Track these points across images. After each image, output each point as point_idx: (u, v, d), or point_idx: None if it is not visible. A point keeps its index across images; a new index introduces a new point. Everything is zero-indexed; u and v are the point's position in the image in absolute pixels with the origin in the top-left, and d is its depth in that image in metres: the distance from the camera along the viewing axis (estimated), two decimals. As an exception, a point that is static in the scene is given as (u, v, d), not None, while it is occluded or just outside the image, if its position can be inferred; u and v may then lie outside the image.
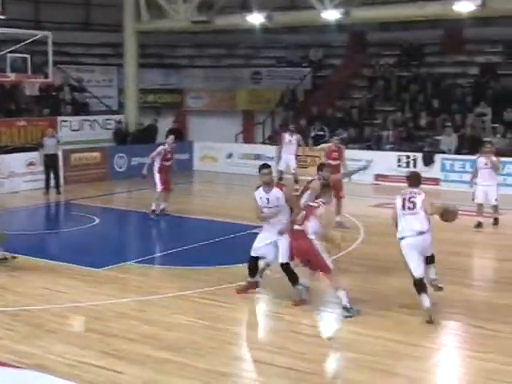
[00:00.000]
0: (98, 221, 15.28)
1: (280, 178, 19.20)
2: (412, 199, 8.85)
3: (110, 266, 11.28)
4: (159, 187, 15.39)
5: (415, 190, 8.99)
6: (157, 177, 15.39)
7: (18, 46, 17.45)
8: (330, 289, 9.15)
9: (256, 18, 20.70)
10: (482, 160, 14.62)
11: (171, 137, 16.06)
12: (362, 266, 11.47)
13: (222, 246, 12.96)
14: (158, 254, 12.81)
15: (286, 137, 19.57)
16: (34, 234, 14.16)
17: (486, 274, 11.81)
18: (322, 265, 8.98)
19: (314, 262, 9.09)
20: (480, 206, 14.48)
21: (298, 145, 19.41)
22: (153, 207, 15.38)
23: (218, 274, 10.94)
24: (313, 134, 22.66)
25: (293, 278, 9.42)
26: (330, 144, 15.80)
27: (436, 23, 24.20)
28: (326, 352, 8.10)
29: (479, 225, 14.47)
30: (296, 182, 19.02)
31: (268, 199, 9.45)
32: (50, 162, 18.68)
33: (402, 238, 8.84)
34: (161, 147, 15.67)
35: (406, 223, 8.81)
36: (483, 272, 11.98)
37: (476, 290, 10.41)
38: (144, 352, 7.79)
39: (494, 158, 14.63)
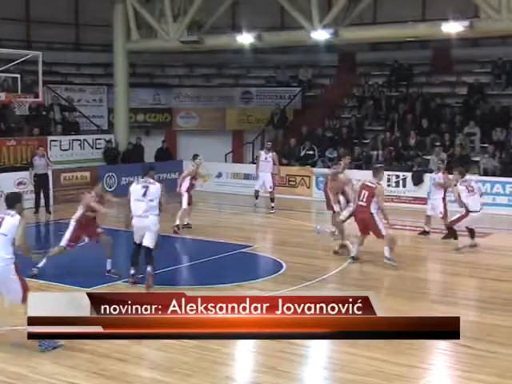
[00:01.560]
0: (87, 240, 15.20)
1: (256, 197, 19.16)
2: (472, 184, 13.95)
3: (100, 286, 11.23)
4: (185, 205, 16.04)
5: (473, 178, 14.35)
6: (185, 195, 16.12)
7: (8, 65, 17.46)
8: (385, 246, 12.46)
9: (246, 38, 20.80)
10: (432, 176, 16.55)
11: (200, 157, 16.65)
12: (352, 285, 11.50)
13: (212, 266, 12.94)
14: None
15: (262, 154, 19.31)
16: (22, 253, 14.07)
17: (470, 293, 11.79)
18: (378, 233, 12.45)
19: (373, 231, 12.54)
20: (428, 217, 15.70)
21: (274, 163, 19.11)
22: (177, 222, 15.84)
23: (207, 293, 10.90)
24: (303, 153, 22.75)
25: (151, 261, 10.96)
26: (341, 162, 15.50)
27: (425, 44, 24.42)
28: (317, 372, 8.09)
29: (424, 233, 15.75)
30: (272, 200, 18.94)
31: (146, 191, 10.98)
32: (40, 182, 18.64)
33: (471, 211, 13.76)
34: (192, 167, 16.48)
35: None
36: (467, 291, 11.94)
37: (462, 310, 10.35)
38: (133, 372, 7.76)
39: (439, 175, 15.78)
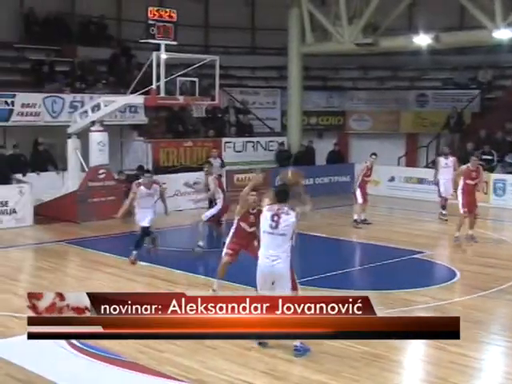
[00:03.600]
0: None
1: (443, 207, 18.37)
2: None
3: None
4: (360, 200, 17.06)
5: None
6: (358, 191, 17.07)
7: (187, 69, 18.04)
8: None
9: (423, 40, 20.29)
10: None
11: (374, 156, 17.55)
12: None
13: (382, 271, 12.69)
14: (315, 277, 12.69)
15: (441, 160, 18.46)
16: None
17: None
18: None
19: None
20: None
21: (454, 168, 18.00)
22: (355, 217, 17.07)
23: (377, 298, 10.67)
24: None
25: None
26: (468, 164, 15.23)
27: None
28: (492, 387, 7.69)
29: None
30: (443, 207, 18.13)
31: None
32: (214, 183, 19.09)
33: None
34: (365, 163, 17.44)
35: None
36: None
37: None
38: (300, 374, 7.74)
39: None
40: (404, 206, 20.54)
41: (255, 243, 9.92)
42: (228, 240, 10.31)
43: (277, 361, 8.06)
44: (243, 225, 10.15)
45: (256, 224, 9.73)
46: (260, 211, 9.27)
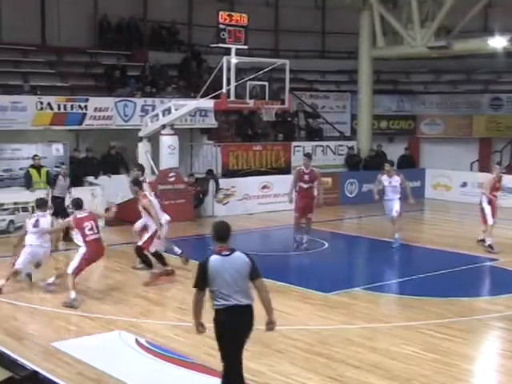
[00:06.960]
0: (327, 245, 15.35)
1: None
2: None
3: (339, 291, 11.23)
4: (490, 220, 14.87)
5: None
6: (488, 208, 14.90)
7: (257, 73, 18.07)
8: None
9: (498, 42, 19.79)
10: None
11: (498, 167, 15.55)
12: None
13: (453, 278, 12.43)
14: (387, 282, 12.55)
15: None
16: (264, 255, 14.48)
17: None
18: None
19: None
20: None
21: None
22: (487, 242, 14.78)
23: (448, 306, 10.48)
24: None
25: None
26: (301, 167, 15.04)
27: None
28: None
29: None
30: None
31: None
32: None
33: None
34: (492, 176, 15.11)
35: None
36: None
37: None
38: (368, 380, 7.61)
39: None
40: (477, 212, 20.05)
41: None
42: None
43: (344, 367, 7.95)
44: (300, 184, 14.12)
45: (310, 181, 14.25)
46: (313, 171, 14.41)
